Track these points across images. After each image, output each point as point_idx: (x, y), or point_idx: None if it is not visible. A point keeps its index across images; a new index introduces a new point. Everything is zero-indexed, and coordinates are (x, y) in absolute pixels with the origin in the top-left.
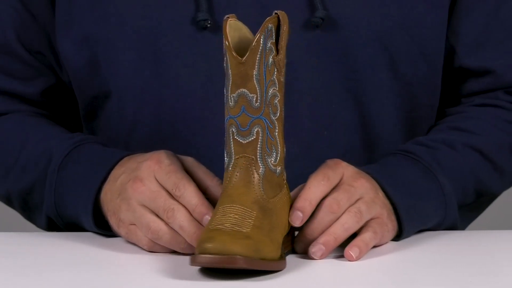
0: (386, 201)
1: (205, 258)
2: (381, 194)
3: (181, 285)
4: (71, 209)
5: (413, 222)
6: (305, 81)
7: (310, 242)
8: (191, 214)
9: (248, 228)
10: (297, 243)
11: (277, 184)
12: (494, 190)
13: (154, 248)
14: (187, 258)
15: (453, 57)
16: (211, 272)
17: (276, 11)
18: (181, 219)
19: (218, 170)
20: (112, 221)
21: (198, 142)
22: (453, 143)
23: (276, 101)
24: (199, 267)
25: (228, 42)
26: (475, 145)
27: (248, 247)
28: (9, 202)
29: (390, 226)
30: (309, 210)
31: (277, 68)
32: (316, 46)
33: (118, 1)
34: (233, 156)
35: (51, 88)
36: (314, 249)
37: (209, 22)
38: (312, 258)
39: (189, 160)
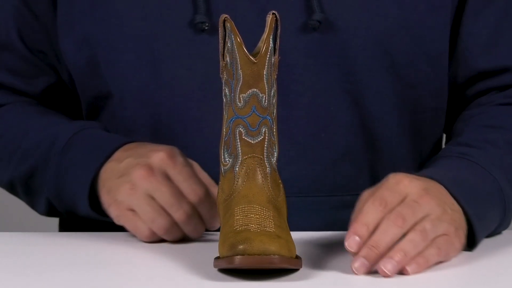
0: (456, 215)
1: (246, 259)
2: (449, 208)
3: (183, 285)
4: (68, 192)
5: (484, 230)
6: (303, 83)
7: (374, 256)
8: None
9: (272, 227)
10: (358, 259)
11: (278, 183)
12: None
13: (153, 239)
14: (190, 256)
15: (468, 58)
16: (229, 272)
17: (273, 11)
18: (187, 206)
19: (215, 171)
20: (104, 199)
21: (195, 144)
22: (495, 141)
23: (274, 101)
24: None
25: (240, 40)
26: None
27: (283, 246)
28: (13, 189)
29: (457, 243)
30: (366, 235)
31: (275, 68)
32: (313, 49)
33: (118, 3)
34: (240, 156)
35: (52, 87)
36: (388, 266)
37: (207, 24)
38: (380, 274)
39: (195, 165)
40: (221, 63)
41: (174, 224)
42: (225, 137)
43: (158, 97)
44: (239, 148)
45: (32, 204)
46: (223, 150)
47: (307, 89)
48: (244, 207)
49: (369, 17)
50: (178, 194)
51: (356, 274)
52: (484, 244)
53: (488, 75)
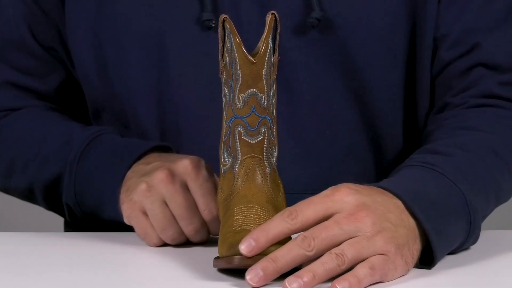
0: (402, 232)
1: (245, 260)
2: (391, 226)
3: (183, 285)
4: (92, 197)
5: (444, 248)
6: (305, 81)
7: (271, 270)
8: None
9: None
10: (253, 269)
11: (278, 183)
12: (508, 195)
13: (159, 244)
14: (190, 256)
15: (439, 48)
16: (228, 272)
17: (272, 11)
18: (204, 238)
19: None
20: (121, 196)
21: (202, 141)
22: (466, 145)
23: (274, 101)
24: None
25: (239, 40)
26: (487, 144)
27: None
28: (30, 195)
29: (398, 262)
30: (263, 242)
31: (274, 68)
32: (313, 47)
33: (125, 1)
34: (239, 156)
35: (64, 84)
36: (294, 285)
37: (214, 22)
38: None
39: (217, 181)
40: (220, 63)
41: (182, 233)
42: (224, 137)
43: (165, 94)
44: (239, 148)
45: (55, 209)
46: (223, 150)
47: (310, 88)
48: (244, 207)
49: (369, 14)
50: (192, 207)
51: (250, 285)
52: (484, 244)
53: (460, 57)
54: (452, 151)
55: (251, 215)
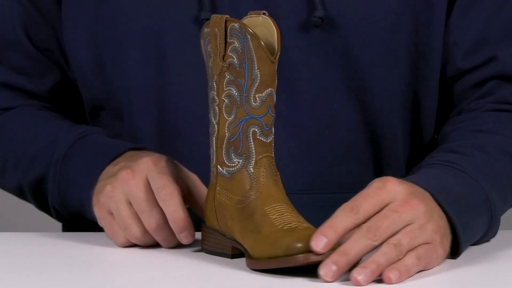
0: (442, 223)
1: (312, 257)
2: (436, 215)
3: (184, 284)
4: (75, 199)
5: (469, 239)
6: (306, 80)
7: (344, 263)
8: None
9: (306, 223)
10: (326, 265)
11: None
12: None
13: (128, 245)
14: (191, 255)
15: (456, 54)
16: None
17: (263, 12)
18: (168, 237)
19: None
20: (93, 198)
21: (200, 141)
22: (483, 147)
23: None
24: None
25: (259, 40)
26: (504, 147)
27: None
28: (21, 194)
29: (440, 251)
30: (333, 238)
31: None
32: (316, 46)
33: (123, 0)
34: (254, 156)
35: (58, 85)
36: (361, 276)
37: None
38: (352, 283)
39: (194, 177)
40: (219, 64)
41: (146, 232)
42: (231, 138)
43: (163, 93)
44: (253, 148)
45: (44, 209)
46: (229, 151)
47: (311, 87)
48: (275, 206)
49: (371, 14)
50: (152, 201)
51: (324, 280)
52: (484, 244)
53: (476, 68)
54: (471, 151)
55: (286, 213)
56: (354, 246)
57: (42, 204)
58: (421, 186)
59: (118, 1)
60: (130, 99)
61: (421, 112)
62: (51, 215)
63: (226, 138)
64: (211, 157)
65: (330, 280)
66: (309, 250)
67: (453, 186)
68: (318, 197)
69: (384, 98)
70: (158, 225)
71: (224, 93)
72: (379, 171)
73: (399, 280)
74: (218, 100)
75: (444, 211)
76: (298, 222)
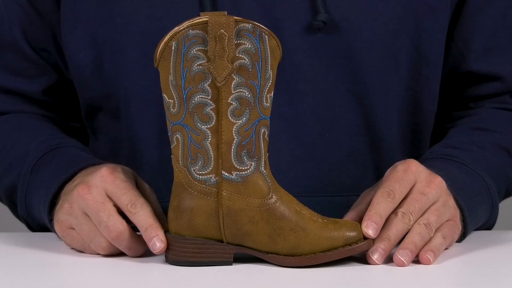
0: (455, 202)
1: (371, 243)
2: (451, 193)
3: (185, 284)
4: (37, 210)
5: (473, 224)
6: (308, 83)
7: (389, 247)
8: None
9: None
10: (375, 249)
11: None
12: None
13: (102, 253)
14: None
15: (461, 63)
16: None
17: (207, 13)
18: (132, 244)
19: None
20: (54, 218)
21: None
22: (482, 143)
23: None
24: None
25: (277, 40)
26: (501, 144)
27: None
28: (2, 201)
29: (459, 226)
30: (380, 223)
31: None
32: (318, 49)
33: (124, 1)
34: (263, 156)
35: (54, 86)
36: (405, 257)
37: None
38: (396, 264)
39: (147, 188)
40: (225, 67)
41: (110, 244)
42: (243, 141)
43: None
44: (263, 149)
45: (18, 217)
46: (241, 155)
47: (312, 89)
48: (297, 202)
49: (374, 18)
50: (109, 210)
51: (375, 263)
52: (484, 244)
53: (480, 80)
54: (469, 147)
55: (306, 208)
56: (394, 232)
57: (16, 212)
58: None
59: (118, 2)
60: (129, 100)
61: (421, 115)
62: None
63: (235, 142)
64: (197, 164)
65: (380, 263)
66: (361, 238)
67: (456, 175)
68: (318, 200)
69: (385, 102)
70: (118, 234)
71: (232, 96)
72: (379, 174)
73: (434, 260)
74: (214, 105)
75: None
76: (321, 215)
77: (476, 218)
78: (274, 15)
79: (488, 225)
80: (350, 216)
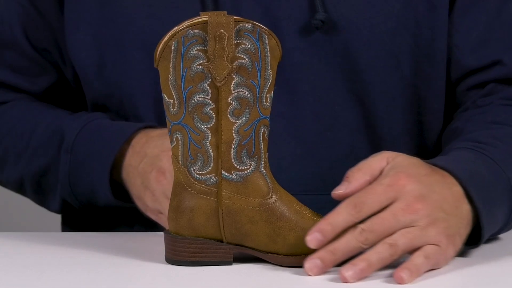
0: (452, 222)
1: None
2: (444, 215)
3: (186, 285)
4: (85, 185)
5: (490, 230)
6: (307, 82)
7: (330, 261)
8: None
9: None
10: (312, 259)
11: None
12: None
13: None
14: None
15: (457, 55)
16: None
17: (207, 13)
18: None
19: None
20: (139, 205)
21: None
22: (503, 138)
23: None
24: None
25: (277, 39)
26: None
27: None
28: (21, 188)
29: (450, 251)
30: (330, 235)
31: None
32: (317, 48)
33: (126, 2)
34: (263, 155)
35: (54, 86)
36: (349, 272)
37: None
38: (340, 279)
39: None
40: (225, 66)
41: None
42: (243, 141)
43: None
44: (263, 148)
45: (43, 202)
46: (240, 155)
47: (312, 88)
48: (297, 202)
49: (372, 16)
50: None
51: (308, 274)
52: (484, 244)
53: (478, 71)
54: (493, 142)
55: (306, 207)
56: (343, 247)
57: (42, 198)
58: (451, 171)
59: (120, 3)
60: (133, 100)
61: (426, 113)
62: (51, 209)
63: (234, 142)
64: (197, 164)
65: (312, 274)
66: None
67: (483, 172)
68: (319, 198)
69: (385, 100)
70: None
71: (232, 96)
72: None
73: (410, 280)
74: (213, 104)
75: (471, 200)
76: (321, 215)
77: (494, 222)
78: (273, 14)
79: (506, 230)
80: (359, 177)
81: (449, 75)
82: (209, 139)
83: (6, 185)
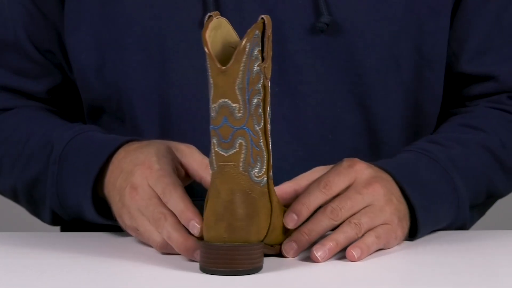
0: (401, 206)
1: None
2: (395, 199)
3: (186, 285)
4: (72, 199)
5: (428, 224)
6: (310, 84)
7: (305, 242)
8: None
9: None
10: (288, 243)
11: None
12: (502, 191)
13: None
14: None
15: (454, 63)
16: None
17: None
18: (168, 228)
19: None
20: (119, 222)
21: (204, 143)
22: (466, 142)
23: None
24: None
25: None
26: (486, 144)
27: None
28: (15, 197)
29: (399, 232)
30: (305, 215)
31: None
32: (320, 51)
33: (127, 2)
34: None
35: (58, 87)
36: (319, 252)
37: None
38: (311, 259)
39: (184, 150)
40: (271, 66)
41: (161, 237)
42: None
43: (167, 96)
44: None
45: (36, 213)
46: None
47: (315, 91)
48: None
49: (376, 20)
50: (159, 203)
51: (285, 256)
52: (484, 244)
53: (473, 81)
54: (450, 144)
55: None
56: (316, 226)
57: (35, 209)
58: (385, 169)
59: (121, 3)
60: (132, 101)
61: (423, 117)
62: (43, 220)
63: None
64: (260, 166)
65: (290, 256)
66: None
67: (421, 170)
68: None
69: (387, 103)
70: (173, 229)
71: (269, 95)
72: None
73: (360, 258)
74: (262, 105)
75: (404, 193)
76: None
77: (434, 218)
78: (276, 16)
79: (457, 226)
80: (285, 186)
81: (447, 80)
82: (261, 140)
83: (3, 193)
